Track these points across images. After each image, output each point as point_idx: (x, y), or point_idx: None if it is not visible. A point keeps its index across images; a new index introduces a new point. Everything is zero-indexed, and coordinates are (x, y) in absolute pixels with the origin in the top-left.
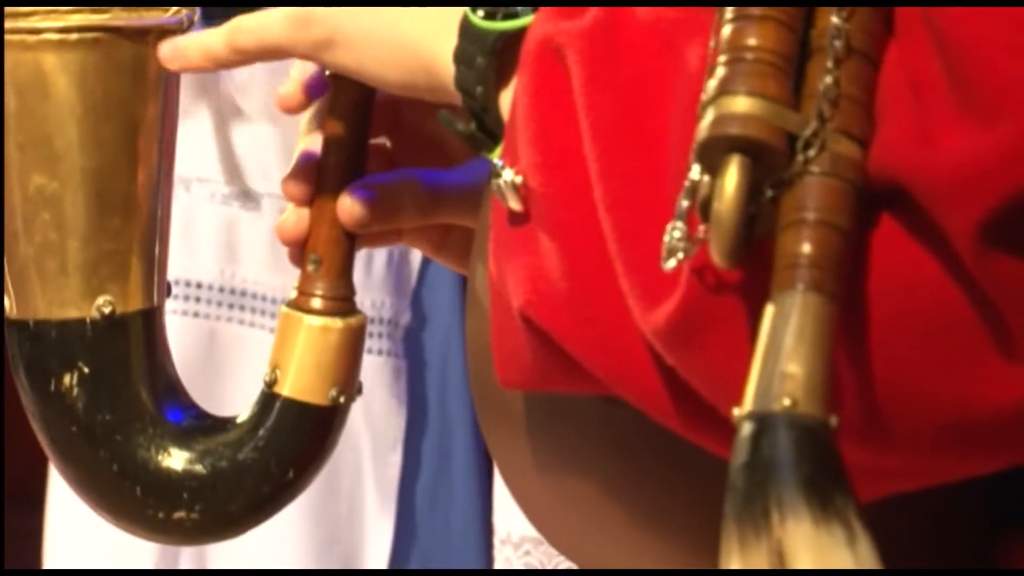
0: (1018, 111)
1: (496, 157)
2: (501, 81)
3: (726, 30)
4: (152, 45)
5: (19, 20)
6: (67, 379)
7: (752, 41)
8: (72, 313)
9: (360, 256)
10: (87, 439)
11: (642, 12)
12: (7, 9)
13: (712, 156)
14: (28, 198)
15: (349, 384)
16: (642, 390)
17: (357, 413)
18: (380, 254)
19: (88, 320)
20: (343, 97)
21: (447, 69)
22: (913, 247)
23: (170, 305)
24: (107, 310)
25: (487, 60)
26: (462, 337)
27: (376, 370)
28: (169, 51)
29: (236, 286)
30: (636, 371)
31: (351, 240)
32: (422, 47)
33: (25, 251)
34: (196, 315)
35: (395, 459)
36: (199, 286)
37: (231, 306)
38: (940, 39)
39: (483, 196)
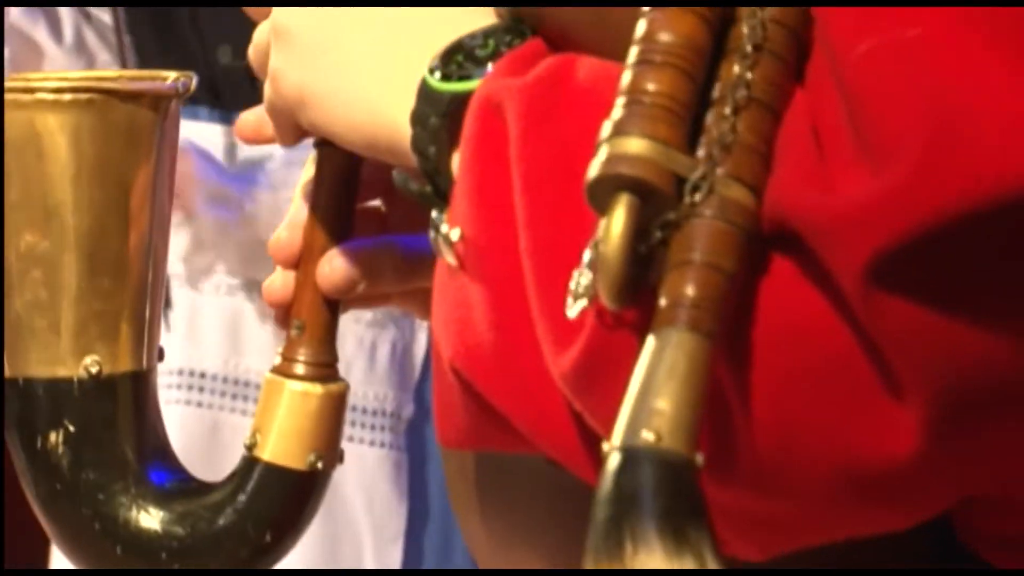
0: (908, 156)
1: (435, 216)
2: (454, 142)
3: (627, 75)
4: (146, 108)
5: (14, 79)
6: (53, 437)
7: (650, 86)
8: (60, 372)
9: (364, 349)
10: (70, 497)
11: (583, 72)
12: (16, 75)
13: (602, 196)
14: (20, 256)
15: (329, 450)
16: (559, 440)
17: (358, 505)
18: (384, 347)
19: (75, 379)
20: (328, 164)
21: (404, 132)
22: (803, 290)
23: (173, 395)
24: (95, 370)
25: (440, 121)
26: None
27: (378, 463)
28: (239, 128)
29: (240, 376)
30: (553, 421)
31: (334, 306)
32: (384, 110)
33: (16, 309)
34: (199, 405)
35: (396, 552)
36: (203, 376)
37: (234, 396)
38: (844, 88)
39: None
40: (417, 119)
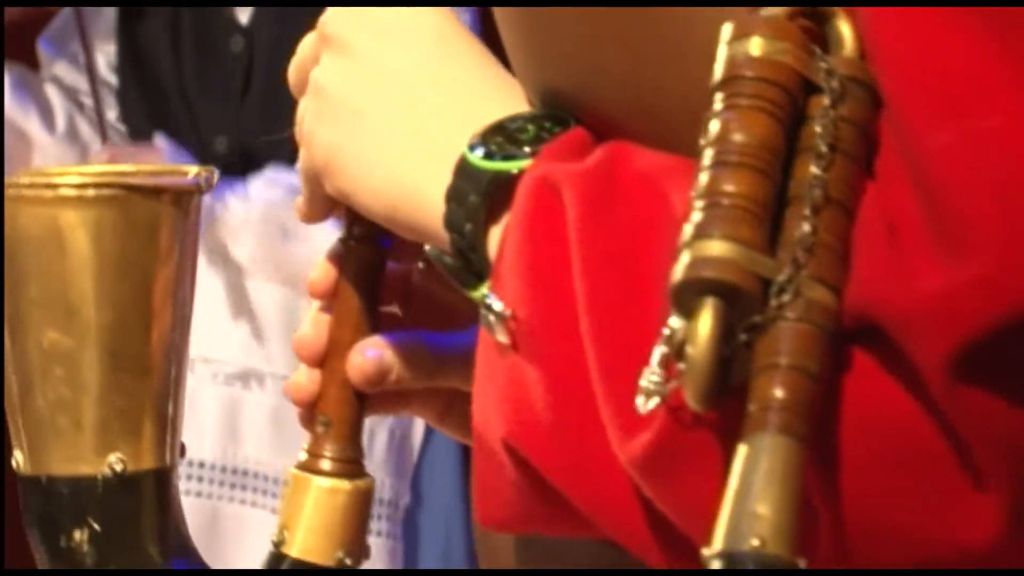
0: (990, 246)
1: (482, 293)
2: (490, 220)
3: (703, 177)
4: (168, 204)
5: (36, 175)
6: (77, 535)
7: (728, 187)
8: (84, 470)
9: (362, 437)
10: None
11: (641, 160)
12: (30, 171)
13: (687, 299)
14: (43, 353)
15: (356, 547)
16: (622, 520)
17: None
18: (381, 435)
19: (100, 477)
20: (354, 258)
21: (432, 206)
22: (886, 384)
23: None
24: (119, 468)
25: (480, 199)
26: (464, 517)
27: (375, 552)
28: (298, 211)
29: (238, 465)
30: (616, 501)
31: (361, 402)
32: (411, 182)
33: (39, 406)
34: (199, 495)
35: None
36: (201, 465)
37: (233, 485)
38: (920, 180)
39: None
40: (454, 196)
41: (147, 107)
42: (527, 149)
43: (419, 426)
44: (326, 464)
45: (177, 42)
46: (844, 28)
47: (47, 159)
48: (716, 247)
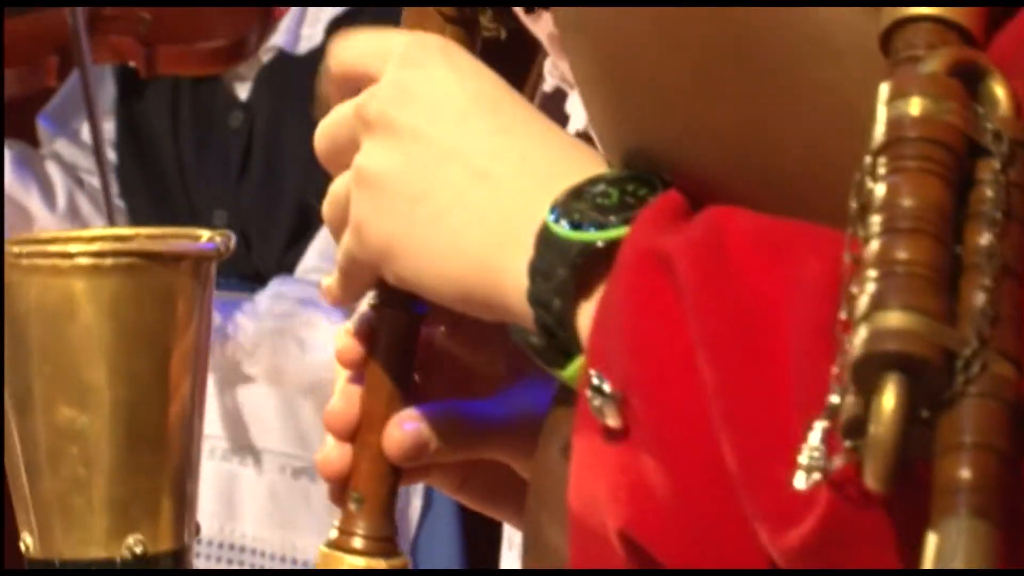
0: None
1: (573, 371)
2: (580, 295)
3: (873, 244)
4: (186, 272)
5: (48, 244)
6: None
7: (903, 255)
8: (99, 553)
9: None
10: None
11: (748, 226)
12: (30, 236)
13: (867, 374)
14: (55, 431)
15: None
16: None
17: None
18: None
19: (118, 560)
20: (388, 327)
21: (513, 283)
22: None
23: None
24: (138, 550)
25: (568, 272)
26: None
27: None
28: (326, 294)
29: (235, 542)
30: None
31: (395, 476)
32: (486, 262)
33: (50, 487)
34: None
35: None
36: (198, 542)
37: (230, 561)
38: None
39: (543, 432)
40: (539, 270)
41: (146, 183)
42: (616, 217)
43: (416, 503)
44: (359, 542)
45: (176, 118)
46: (998, 88)
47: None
48: (897, 318)
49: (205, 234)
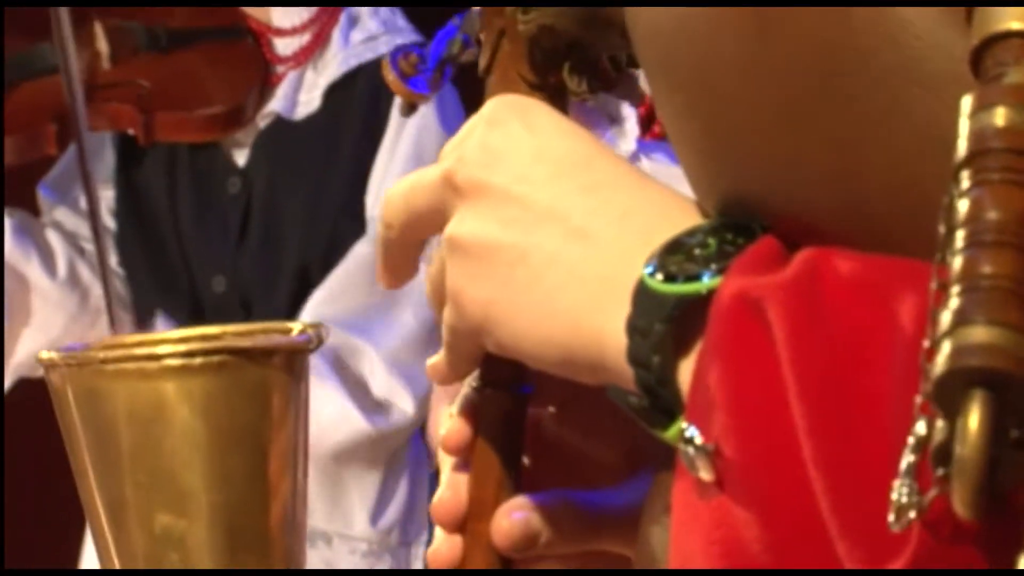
0: None
1: (676, 431)
2: (680, 350)
3: (957, 261)
4: (278, 368)
5: (134, 347)
6: None
7: (987, 268)
8: None
9: None
10: None
11: (844, 265)
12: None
13: (951, 394)
14: (154, 539)
15: None
16: None
17: None
18: None
19: None
20: (493, 408)
21: (613, 342)
22: None
23: None
24: None
25: (666, 327)
26: None
27: None
28: (433, 374)
29: None
30: None
31: (508, 567)
32: (585, 320)
33: None
34: None
35: None
36: None
37: None
38: None
39: (649, 495)
40: (636, 327)
41: (146, 250)
42: (713, 266)
43: (417, 567)
44: None
45: (174, 185)
46: None
47: (47, 304)
48: (981, 333)
49: (297, 326)
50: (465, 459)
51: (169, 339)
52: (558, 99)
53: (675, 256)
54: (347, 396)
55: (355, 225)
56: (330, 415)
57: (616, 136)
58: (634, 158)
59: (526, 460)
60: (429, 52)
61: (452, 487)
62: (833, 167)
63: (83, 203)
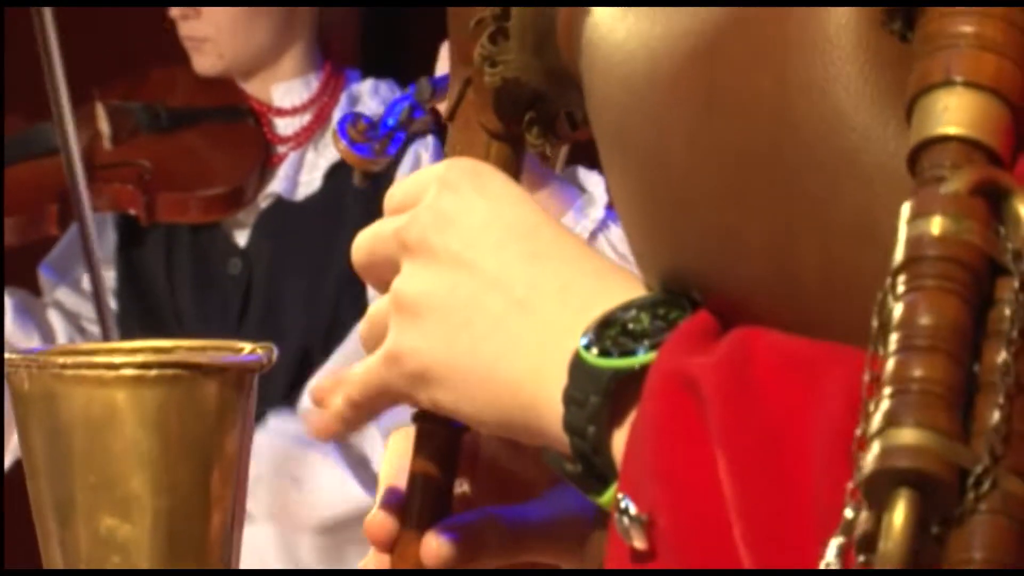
0: None
1: (609, 497)
2: (614, 421)
3: (889, 362)
4: (229, 384)
5: (91, 355)
6: None
7: (918, 372)
8: None
9: None
10: None
11: (774, 346)
12: (71, 347)
13: (878, 490)
14: (97, 540)
15: None
16: None
17: None
18: None
19: None
20: (428, 440)
21: (551, 411)
22: None
23: None
24: None
25: (601, 399)
26: None
27: None
28: (317, 424)
29: None
30: None
31: None
32: (523, 388)
33: None
34: None
35: None
36: None
37: None
38: None
39: (585, 556)
40: (573, 398)
41: (146, 330)
42: (646, 342)
43: None
44: None
45: (175, 266)
46: (1022, 207)
47: None
48: (910, 435)
49: (247, 346)
50: (400, 483)
51: (124, 349)
52: (516, 150)
53: (610, 330)
54: (348, 471)
55: (356, 306)
56: (331, 488)
57: (585, 204)
58: (602, 225)
59: (463, 483)
60: (379, 119)
61: (385, 509)
62: (769, 243)
63: (84, 283)
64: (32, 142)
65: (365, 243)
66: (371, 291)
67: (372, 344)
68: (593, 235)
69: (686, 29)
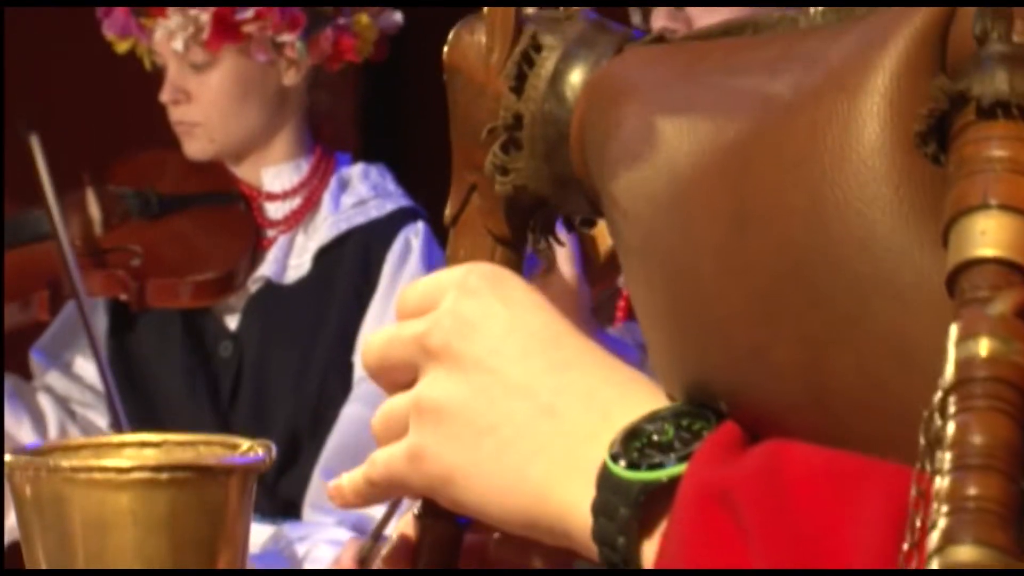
0: None
1: None
2: (643, 531)
3: (944, 480)
4: (234, 485)
5: (103, 458)
6: None
7: (974, 491)
8: None
9: None
10: None
11: (807, 458)
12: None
13: None
14: None
15: None
16: None
17: None
18: None
19: None
20: (431, 536)
21: (578, 518)
22: None
23: None
24: None
25: (631, 512)
26: None
27: None
28: (335, 490)
29: None
30: None
31: None
32: (551, 495)
33: None
34: None
35: None
36: None
37: None
38: None
39: None
40: (602, 510)
41: (136, 414)
42: (673, 455)
43: None
44: None
45: (166, 349)
46: None
47: None
48: (968, 552)
49: (245, 443)
50: None
51: (113, 443)
52: (519, 253)
53: (636, 442)
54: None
55: (343, 385)
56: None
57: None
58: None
59: None
60: None
61: None
62: (799, 362)
63: (75, 367)
64: (23, 228)
65: (377, 347)
66: (357, 372)
67: (387, 439)
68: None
69: (714, 144)
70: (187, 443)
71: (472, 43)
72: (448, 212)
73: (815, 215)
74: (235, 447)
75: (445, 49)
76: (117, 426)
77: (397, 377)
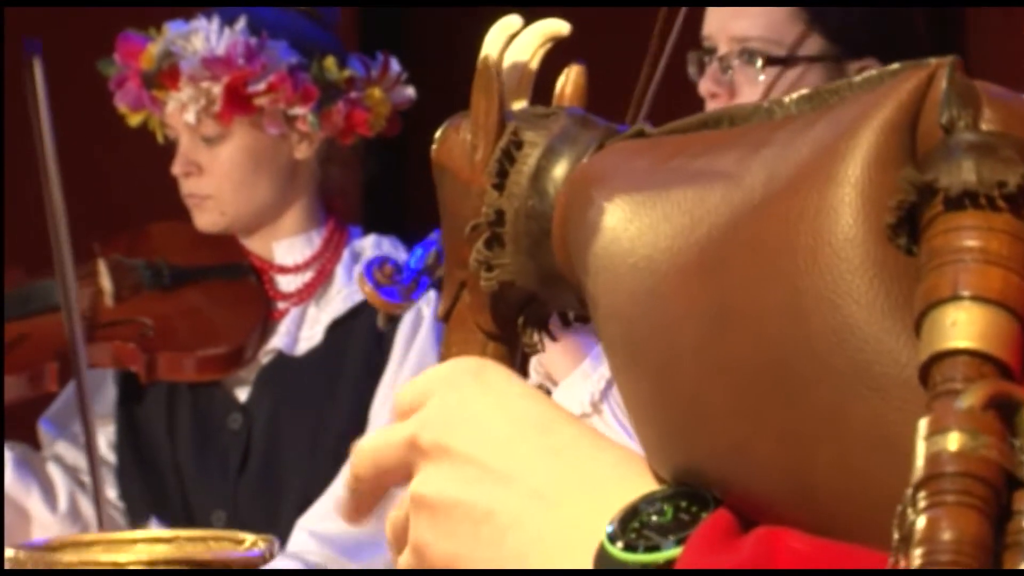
0: None
1: None
2: None
3: (919, 521)
4: None
5: (111, 554)
6: None
7: (947, 536)
8: None
9: None
10: None
11: (797, 548)
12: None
13: None
14: None
15: None
16: None
17: None
18: None
19: None
20: None
21: None
22: None
23: None
24: None
25: None
26: None
27: None
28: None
29: None
30: None
31: None
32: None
33: None
34: None
35: None
36: None
37: None
38: None
39: None
40: None
41: (145, 486)
42: (671, 537)
43: None
44: None
45: (175, 421)
46: None
47: (49, 537)
48: None
49: (248, 538)
50: None
51: (125, 540)
52: (512, 348)
53: (633, 523)
54: None
55: None
56: None
57: (602, 352)
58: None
59: None
60: (404, 264)
61: None
62: (782, 457)
63: (83, 438)
64: (33, 298)
65: (370, 453)
66: None
67: (399, 546)
68: (610, 383)
69: (689, 240)
70: (198, 539)
71: (458, 141)
72: (440, 308)
73: (792, 309)
74: (241, 542)
75: (433, 147)
76: (98, 502)
77: (390, 482)
